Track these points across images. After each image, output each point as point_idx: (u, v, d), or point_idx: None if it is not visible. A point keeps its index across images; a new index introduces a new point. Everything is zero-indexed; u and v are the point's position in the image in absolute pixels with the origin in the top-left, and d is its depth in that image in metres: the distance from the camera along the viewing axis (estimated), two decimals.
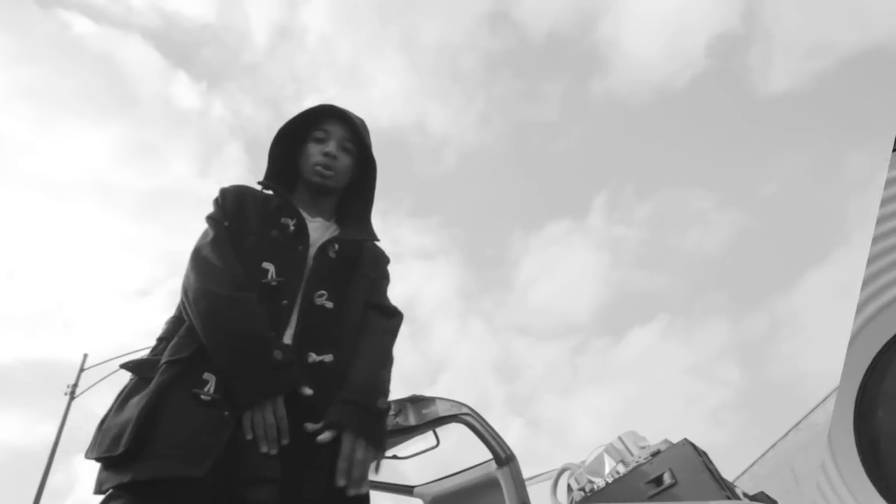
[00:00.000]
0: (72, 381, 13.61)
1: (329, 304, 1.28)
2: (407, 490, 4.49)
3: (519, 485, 3.71)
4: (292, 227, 1.34)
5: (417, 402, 3.61)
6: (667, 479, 2.83)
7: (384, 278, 1.49)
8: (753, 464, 15.76)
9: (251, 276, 1.23)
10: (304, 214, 1.39)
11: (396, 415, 3.56)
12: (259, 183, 1.45)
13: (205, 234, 1.31)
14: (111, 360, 14.09)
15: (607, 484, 3.11)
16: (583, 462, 4.15)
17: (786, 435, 14.42)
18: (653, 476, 2.90)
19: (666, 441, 3.02)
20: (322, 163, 1.43)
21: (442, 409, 3.59)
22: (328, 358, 1.22)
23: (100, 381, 13.82)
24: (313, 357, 1.21)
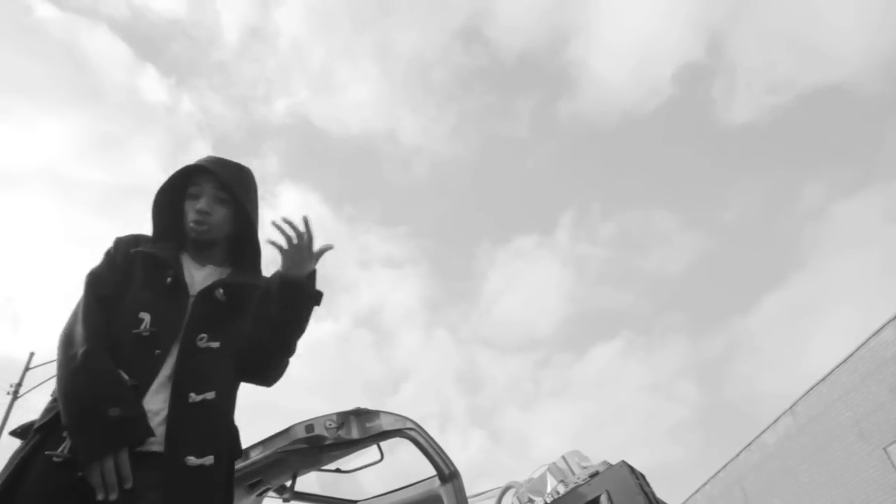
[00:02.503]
0: (16, 380, 13.07)
1: (214, 345, 1.36)
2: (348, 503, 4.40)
3: (462, 500, 3.67)
4: (169, 280, 1.41)
5: (361, 415, 3.54)
6: (603, 501, 2.82)
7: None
8: (706, 483, 16.02)
9: (126, 326, 1.30)
10: (193, 264, 1.51)
11: (339, 428, 3.48)
12: (135, 249, 1.48)
13: (94, 272, 1.42)
14: None
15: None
16: (527, 479, 4.13)
17: (737, 455, 14.71)
18: (590, 497, 2.89)
19: (605, 462, 3.02)
20: (194, 220, 1.50)
21: (386, 424, 3.52)
22: (210, 395, 1.29)
23: (46, 381, 13.31)
24: (193, 397, 1.27)
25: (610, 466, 2.97)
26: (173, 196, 1.56)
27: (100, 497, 1.10)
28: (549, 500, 3.13)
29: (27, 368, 13.31)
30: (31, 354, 13.51)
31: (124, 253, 1.46)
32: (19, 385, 12.91)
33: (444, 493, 3.66)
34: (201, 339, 1.35)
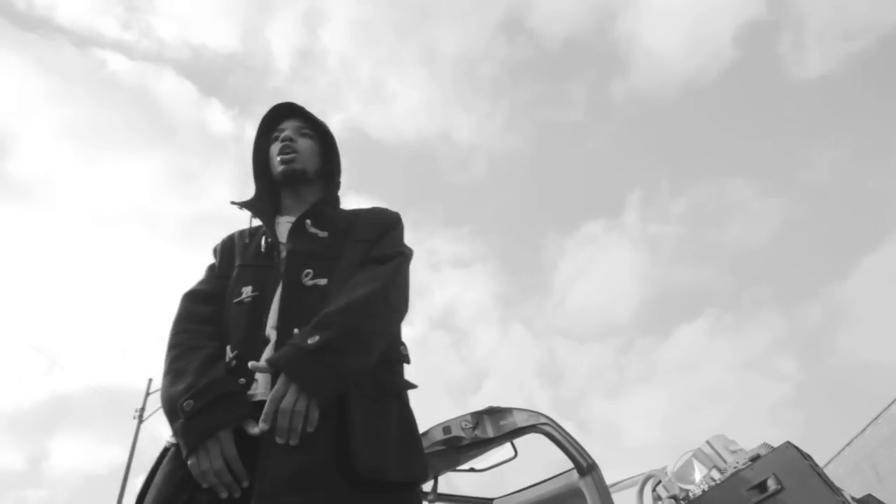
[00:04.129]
0: (139, 406, 14.09)
1: (322, 281, 1.23)
2: (486, 502, 4.42)
3: (604, 493, 3.59)
4: (264, 246, 1.35)
5: (494, 413, 3.54)
6: (771, 484, 2.68)
7: (389, 232, 1.40)
8: (829, 462, 14.99)
9: (231, 300, 1.27)
10: (287, 218, 1.41)
11: (475, 427, 3.50)
12: (232, 203, 1.45)
13: (194, 284, 1.42)
14: None
15: (704, 492, 2.97)
16: (664, 468, 4.00)
17: (864, 430, 13.67)
18: (755, 482, 2.74)
19: (765, 445, 2.87)
20: (279, 150, 1.45)
21: (520, 420, 3.51)
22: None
23: None
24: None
25: (773, 449, 2.81)
26: (267, 140, 1.53)
27: (222, 496, 0.99)
28: (705, 487, 3.01)
29: (147, 394, 14.33)
30: (150, 380, 14.55)
31: (223, 248, 1.45)
32: (143, 409, 13.92)
33: (585, 485, 3.60)
34: (307, 275, 1.24)
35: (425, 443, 3.60)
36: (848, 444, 14.33)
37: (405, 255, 1.35)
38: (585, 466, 3.58)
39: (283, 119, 1.52)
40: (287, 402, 1.00)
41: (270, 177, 1.51)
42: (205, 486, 1.00)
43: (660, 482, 3.90)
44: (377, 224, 1.41)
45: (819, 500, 2.52)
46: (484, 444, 3.59)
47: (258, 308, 1.23)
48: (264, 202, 1.48)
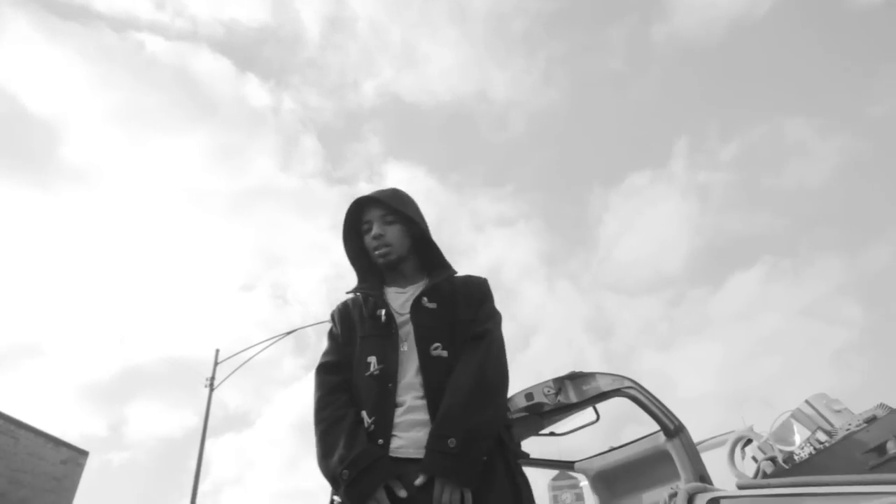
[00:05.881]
0: (207, 374, 14.75)
1: (444, 353, 1.49)
2: (568, 465, 4.38)
3: (693, 456, 3.48)
4: (384, 318, 1.57)
5: (577, 378, 3.45)
6: (891, 447, 2.49)
7: (480, 304, 1.62)
8: None
9: (360, 371, 1.51)
10: (396, 290, 1.67)
11: (557, 393, 3.42)
12: (348, 293, 1.71)
13: (321, 355, 1.63)
14: (239, 353, 15.12)
15: (811, 454, 2.80)
16: (751, 427, 3.83)
17: None
18: (872, 445, 2.56)
19: (883, 406, 2.67)
20: (374, 246, 1.66)
21: (603, 384, 3.41)
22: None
23: (232, 373, 14.87)
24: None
25: (892, 410, 2.61)
26: (357, 238, 1.74)
27: None
28: (811, 450, 2.84)
29: (216, 363, 14.97)
30: (217, 351, 15.17)
31: (341, 318, 1.66)
32: (213, 378, 14.57)
33: (673, 448, 3.49)
34: (434, 348, 1.50)
35: (510, 409, 3.56)
36: None
37: (492, 329, 1.56)
38: (673, 429, 3.46)
39: (366, 208, 1.70)
40: (446, 497, 1.29)
41: (368, 259, 1.73)
42: None
43: (749, 441, 3.74)
44: (473, 298, 1.63)
45: None
46: (567, 410, 3.51)
47: (385, 376, 1.48)
48: (371, 280, 1.72)
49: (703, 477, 3.37)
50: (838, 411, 3.18)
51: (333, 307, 1.76)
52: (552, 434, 3.91)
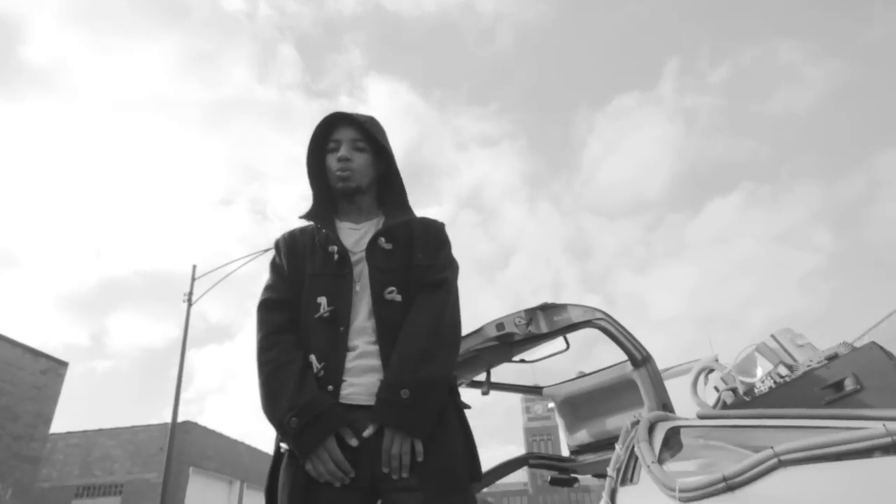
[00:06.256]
0: (185, 288, 14.74)
1: (398, 298, 1.43)
2: (536, 390, 4.50)
3: (658, 385, 3.56)
4: (336, 256, 1.48)
5: (549, 309, 3.45)
6: (849, 384, 2.55)
7: (438, 251, 1.55)
8: (862, 335, 15.09)
9: (310, 314, 1.43)
10: (349, 225, 1.57)
11: (528, 324, 3.43)
12: (300, 217, 1.58)
13: (262, 290, 1.53)
14: (217, 269, 15.05)
15: (771, 388, 2.88)
16: (715, 357, 3.93)
17: None
18: (830, 381, 2.62)
19: (845, 344, 2.71)
20: (337, 168, 1.55)
21: (575, 316, 3.42)
22: None
23: (210, 289, 14.87)
24: None
25: (854, 349, 2.66)
26: (320, 155, 1.61)
27: (336, 485, 1.28)
28: (771, 384, 2.91)
29: (193, 279, 14.92)
30: (194, 266, 15.07)
31: (288, 249, 1.56)
32: (191, 294, 14.58)
33: (639, 377, 3.57)
34: (389, 291, 1.44)
35: (479, 339, 3.57)
36: (885, 318, 14.30)
37: (450, 279, 1.51)
38: (640, 359, 3.53)
39: (338, 126, 1.59)
40: (396, 448, 1.27)
41: (326, 183, 1.61)
42: (322, 481, 1.28)
43: (711, 371, 3.83)
44: (430, 244, 1.55)
45: None
46: (537, 340, 3.54)
47: (336, 319, 1.41)
48: (324, 208, 1.61)
49: (666, 405, 3.48)
50: (801, 346, 3.25)
51: (278, 236, 1.64)
52: (522, 361, 3.98)
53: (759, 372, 3.25)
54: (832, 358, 2.68)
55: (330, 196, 1.62)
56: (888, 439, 2.25)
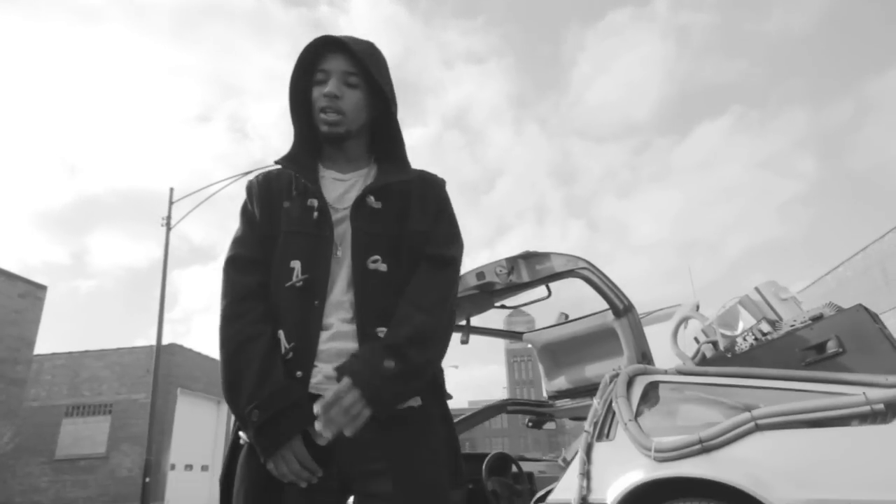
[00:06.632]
0: (164, 211, 14.43)
1: (383, 268, 1.24)
2: (517, 335, 4.49)
3: (638, 335, 3.54)
4: (316, 213, 1.27)
5: (531, 258, 3.35)
6: (831, 346, 2.51)
7: (438, 216, 1.34)
8: (840, 265, 15.37)
9: (280, 281, 1.24)
10: (333, 174, 1.35)
11: (510, 273, 3.34)
12: (275, 162, 1.34)
13: (231, 243, 1.33)
14: (197, 191, 14.68)
15: (752, 346, 2.84)
16: (695, 305, 3.89)
17: (883, 236, 13.71)
18: (813, 343, 2.58)
19: (831, 304, 2.65)
20: (321, 107, 1.30)
21: (557, 265, 3.33)
22: (383, 331, 1.19)
23: (189, 212, 14.57)
24: (382, 332, 1.19)
25: (840, 310, 2.60)
26: (307, 84, 1.34)
27: (302, 486, 1.13)
28: (752, 341, 2.87)
29: (171, 202, 14.56)
30: (172, 189, 14.66)
31: (261, 197, 1.34)
32: (169, 218, 14.28)
33: (619, 326, 3.54)
34: (373, 260, 1.24)
35: (459, 288, 3.49)
36: (863, 249, 14.52)
37: (458, 259, 1.33)
38: (622, 308, 3.48)
39: (328, 54, 1.31)
40: (347, 402, 1.06)
41: (309, 119, 1.36)
42: (285, 481, 1.13)
43: (689, 319, 3.80)
44: (429, 206, 1.34)
45: (884, 366, 2.36)
46: (519, 289, 3.46)
47: (311, 290, 1.22)
48: (305, 152, 1.37)
49: (646, 355, 3.47)
50: (785, 300, 3.20)
51: (252, 178, 1.41)
52: (503, 307, 3.92)
53: (741, 325, 3.22)
54: (816, 318, 2.63)
55: (314, 136, 1.38)
56: (866, 408, 2.24)
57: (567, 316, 4.37)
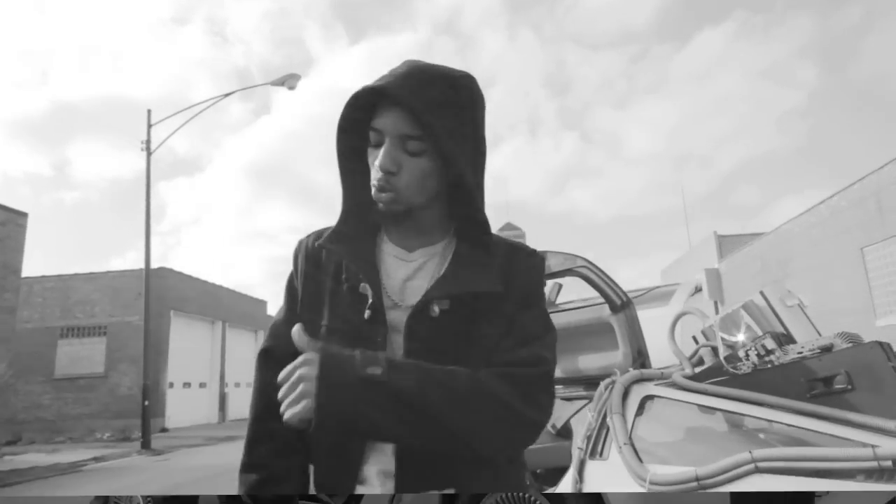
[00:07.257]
0: (143, 137, 13.85)
1: None
2: None
3: (635, 331, 3.44)
4: (368, 312, 1.00)
5: None
6: (839, 381, 2.40)
7: (527, 302, 1.03)
8: (834, 195, 15.23)
9: None
10: (395, 250, 1.07)
11: None
12: (320, 245, 1.07)
13: (270, 328, 1.17)
14: (175, 114, 14.00)
15: (755, 367, 2.73)
16: (697, 303, 3.76)
17: (882, 167, 13.46)
18: (820, 375, 2.47)
19: (845, 334, 2.51)
20: (374, 184, 0.99)
21: (555, 264, 3.15)
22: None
23: (170, 135, 14.00)
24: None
25: (854, 344, 2.46)
26: (356, 143, 1.03)
27: None
28: (755, 357, 2.76)
29: (149, 125, 13.92)
30: (149, 111, 13.95)
31: (307, 275, 1.10)
32: (148, 142, 13.71)
33: (616, 321, 3.43)
34: None
35: None
36: (860, 180, 14.32)
37: (552, 361, 1.01)
38: (620, 304, 3.35)
39: (381, 108, 0.98)
40: (299, 374, 0.85)
41: (364, 178, 1.04)
42: None
43: (687, 314, 3.68)
44: (517, 301, 1.02)
45: (894, 409, 2.26)
46: None
47: None
48: (359, 223, 1.08)
49: (641, 351, 3.38)
50: (790, 306, 3.06)
51: (303, 238, 1.15)
52: None
53: (742, 336, 3.09)
54: (826, 349, 2.49)
55: (369, 203, 1.06)
56: (874, 464, 2.16)
57: (558, 283, 4.24)
